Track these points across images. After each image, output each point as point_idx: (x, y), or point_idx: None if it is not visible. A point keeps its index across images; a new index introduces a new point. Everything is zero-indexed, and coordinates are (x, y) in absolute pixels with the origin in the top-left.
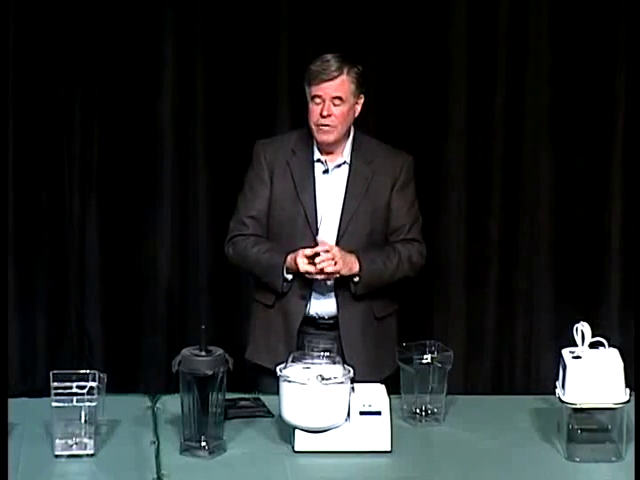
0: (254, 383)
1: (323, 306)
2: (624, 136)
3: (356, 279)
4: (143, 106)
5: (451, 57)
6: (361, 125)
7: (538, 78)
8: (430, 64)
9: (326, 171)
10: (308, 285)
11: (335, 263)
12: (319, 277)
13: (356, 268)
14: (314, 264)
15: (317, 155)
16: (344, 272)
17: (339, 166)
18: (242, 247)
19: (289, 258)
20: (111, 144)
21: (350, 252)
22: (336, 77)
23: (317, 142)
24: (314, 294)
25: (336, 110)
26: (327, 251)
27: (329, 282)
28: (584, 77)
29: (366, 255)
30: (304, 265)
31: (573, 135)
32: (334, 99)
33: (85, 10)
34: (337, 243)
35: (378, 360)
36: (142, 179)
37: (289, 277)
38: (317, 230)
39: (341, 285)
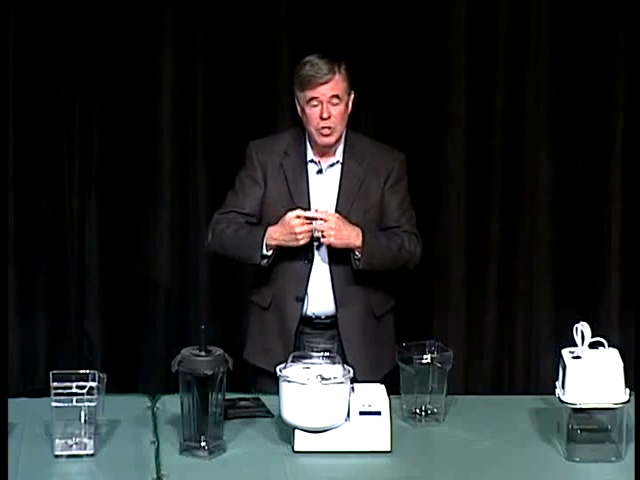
0: (252, 384)
1: (320, 306)
2: (624, 136)
3: (357, 254)
4: (143, 106)
5: (451, 57)
6: (360, 124)
7: (538, 78)
8: (430, 64)
9: (320, 171)
10: (304, 287)
11: (332, 234)
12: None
13: (358, 242)
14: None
15: (310, 155)
16: (339, 244)
17: (332, 165)
18: (220, 229)
19: (273, 230)
20: (111, 144)
21: (354, 224)
22: (330, 79)
23: (317, 145)
24: (311, 294)
25: (334, 110)
26: (325, 220)
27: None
28: (584, 77)
29: (370, 232)
30: (298, 225)
31: (573, 135)
32: (332, 98)
33: (85, 10)
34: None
35: (378, 358)
36: (142, 179)
37: (268, 253)
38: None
39: (339, 284)
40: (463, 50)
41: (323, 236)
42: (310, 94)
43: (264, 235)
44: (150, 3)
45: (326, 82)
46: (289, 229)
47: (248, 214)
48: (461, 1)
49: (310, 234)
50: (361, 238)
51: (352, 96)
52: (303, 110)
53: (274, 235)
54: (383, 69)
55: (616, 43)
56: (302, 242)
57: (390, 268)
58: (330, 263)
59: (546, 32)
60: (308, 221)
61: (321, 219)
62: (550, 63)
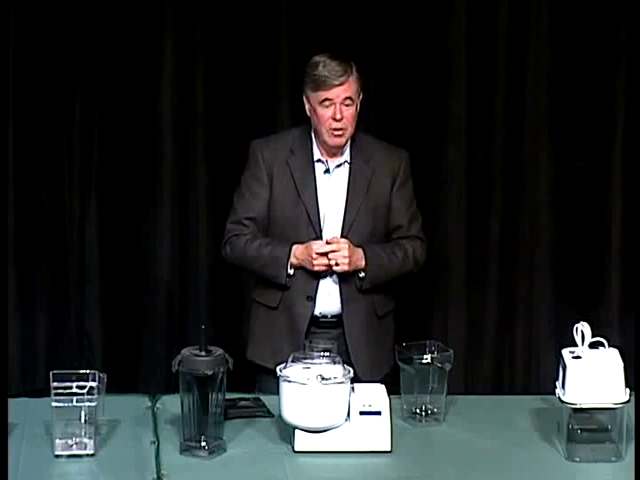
0: (255, 383)
1: (327, 305)
2: (624, 136)
3: (362, 274)
4: (143, 106)
5: (451, 57)
6: (360, 124)
7: (538, 78)
8: (430, 64)
9: (327, 171)
10: (314, 286)
11: (346, 262)
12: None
13: (362, 264)
14: (327, 259)
15: (317, 155)
16: (351, 269)
17: (339, 165)
18: (242, 243)
19: (297, 250)
20: (111, 144)
21: (357, 246)
22: (345, 81)
23: (327, 145)
24: (320, 293)
25: (347, 111)
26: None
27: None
28: (584, 77)
29: (372, 250)
30: (319, 261)
31: (573, 135)
32: (345, 100)
33: (85, 10)
34: None
35: (379, 358)
36: (142, 179)
37: (291, 272)
38: (321, 231)
39: (345, 283)
40: (463, 50)
41: (337, 264)
42: (324, 95)
43: (289, 255)
44: (150, 3)
45: (340, 84)
46: (309, 252)
47: (258, 219)
48: (461, 1)
49: (326, 266)
50: (364, 259)
51: (361, 97)
52: (314, 109)
53: (297, 253)
54: (383, 69)
55: (616, 43)
56: (316, 269)
57: (393, 279)
58: None
59: (546, 32)
60: (324, 255)
61: (334, 250)
62: (550, 63)
